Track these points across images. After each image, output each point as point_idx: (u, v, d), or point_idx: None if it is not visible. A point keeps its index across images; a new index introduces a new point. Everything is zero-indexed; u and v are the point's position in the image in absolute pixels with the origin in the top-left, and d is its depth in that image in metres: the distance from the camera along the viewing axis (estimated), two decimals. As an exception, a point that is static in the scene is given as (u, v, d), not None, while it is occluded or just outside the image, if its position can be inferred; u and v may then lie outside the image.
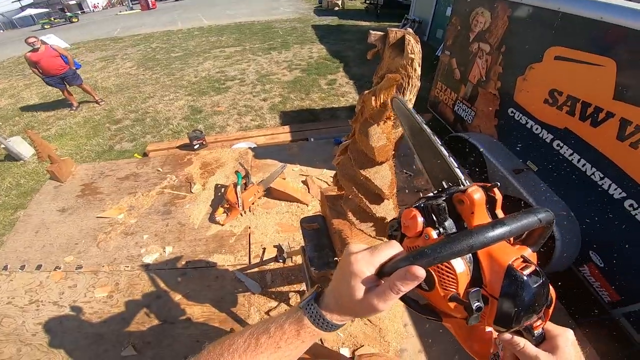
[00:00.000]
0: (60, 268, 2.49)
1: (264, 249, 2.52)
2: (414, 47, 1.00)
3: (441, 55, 3.75)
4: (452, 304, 0.44)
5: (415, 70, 1.02)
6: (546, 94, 2.41)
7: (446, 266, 0.43)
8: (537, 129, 2.54)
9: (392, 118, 1.07)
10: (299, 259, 2.31)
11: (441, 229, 0.45)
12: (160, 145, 4.22)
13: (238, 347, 0.45)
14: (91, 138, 4.94)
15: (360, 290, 0.42)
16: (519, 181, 2.54)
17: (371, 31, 1.16)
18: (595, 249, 2.20)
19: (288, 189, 2.93)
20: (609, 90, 2.01)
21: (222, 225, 2.75)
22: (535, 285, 0.39)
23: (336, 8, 13.53)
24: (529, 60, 2.50)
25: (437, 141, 0.60)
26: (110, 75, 7.75)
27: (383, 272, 0.43)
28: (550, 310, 0.44)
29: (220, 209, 2.81)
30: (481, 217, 0.44)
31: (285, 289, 2.24)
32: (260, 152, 3.71)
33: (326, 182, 3.13)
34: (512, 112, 2.75)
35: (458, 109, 3.47)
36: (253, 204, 2.89)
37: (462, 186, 0.50)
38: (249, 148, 3.80)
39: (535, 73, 2.49)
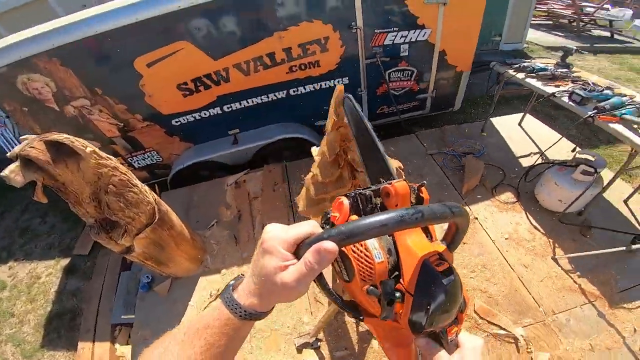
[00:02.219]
0: None
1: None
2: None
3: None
4: (370, 299, 0.44)
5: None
6: (178, 90, 2.66)
7: (365, 254, 0.43)
8: (204, 114, 2.86)
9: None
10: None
11: (365, 216, 0.45)
12: None
13: (171, 351, 0.41)
14: None
15: (272, 268, 0.39)
16: (244, 144, 3.00)
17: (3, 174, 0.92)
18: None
19: None
20: (205, 57, 2.54)
21: None
22: (447, 283, 0.39)
23: None
24: (134, 82, 2.52)
25: (377, 139, 0.63)
26: None
27: (299, 250, 0.41)
28: (464, 316, 0.46)
29: None
30: None
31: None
32: None
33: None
34: (176, 121, 2.84)
35: (136, 162, 3.08)
36: None
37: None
38: None
39: (151, 87, 2.59)
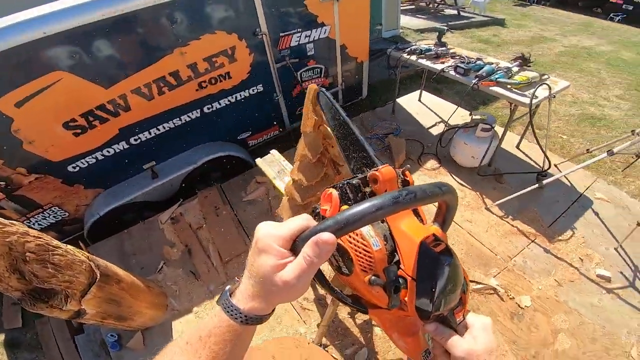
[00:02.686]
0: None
1: None
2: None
3: None
4: (373, 289, 0.43)
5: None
6: (65, 130, 2.19)
7: (362, 244, 0.43)
8: (108, 151, 2.43)
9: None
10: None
11: (356, 205, 0.44)
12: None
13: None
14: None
15: (270, 267, 0.37)
16: (165, 176, 2.69)
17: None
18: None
19: None
20: (92, 87, 2.14)
21: None
22: (447, 263, 0.39)
23: None
24: (4, 128, 1.96)
25: (357, 131, 0.63)
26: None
27: (295, 245, 0.39)
28: (467, 297, 0.46)
29: None
30: None
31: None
32: None
33: None
34: (73, 167, 2.33)
35: (36, 224, 2.41)
36: None
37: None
38: None
39: (29, 130, 2.06)
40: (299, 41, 2.98)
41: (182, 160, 2.80)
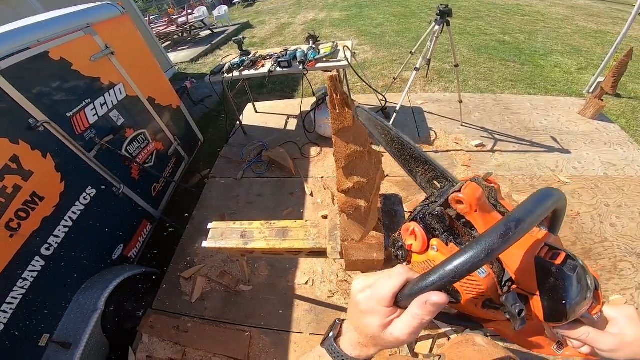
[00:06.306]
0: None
1: None
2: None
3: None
4: (488, 311, 0.41)
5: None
6: None
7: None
8: None
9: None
10: None
11: (446, 235, 0.42)
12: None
13: None
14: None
15: (378, 327, 0.39)
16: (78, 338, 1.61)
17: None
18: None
19: None
20: None
21: None
22: (573, 273, 0.36)
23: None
24: None
25: (413, 143, 0.58)
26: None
27: (400, 301, 0.38)
28: (600, 292, 0.42)
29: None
30: (486, 212, 0.41)
31: None
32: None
33: None
34: None
35: None
36: None
37: (454, 184, 0.46)
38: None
39: None
40: (97, 114, 2.29)
41: (76, 315, 1.87)
